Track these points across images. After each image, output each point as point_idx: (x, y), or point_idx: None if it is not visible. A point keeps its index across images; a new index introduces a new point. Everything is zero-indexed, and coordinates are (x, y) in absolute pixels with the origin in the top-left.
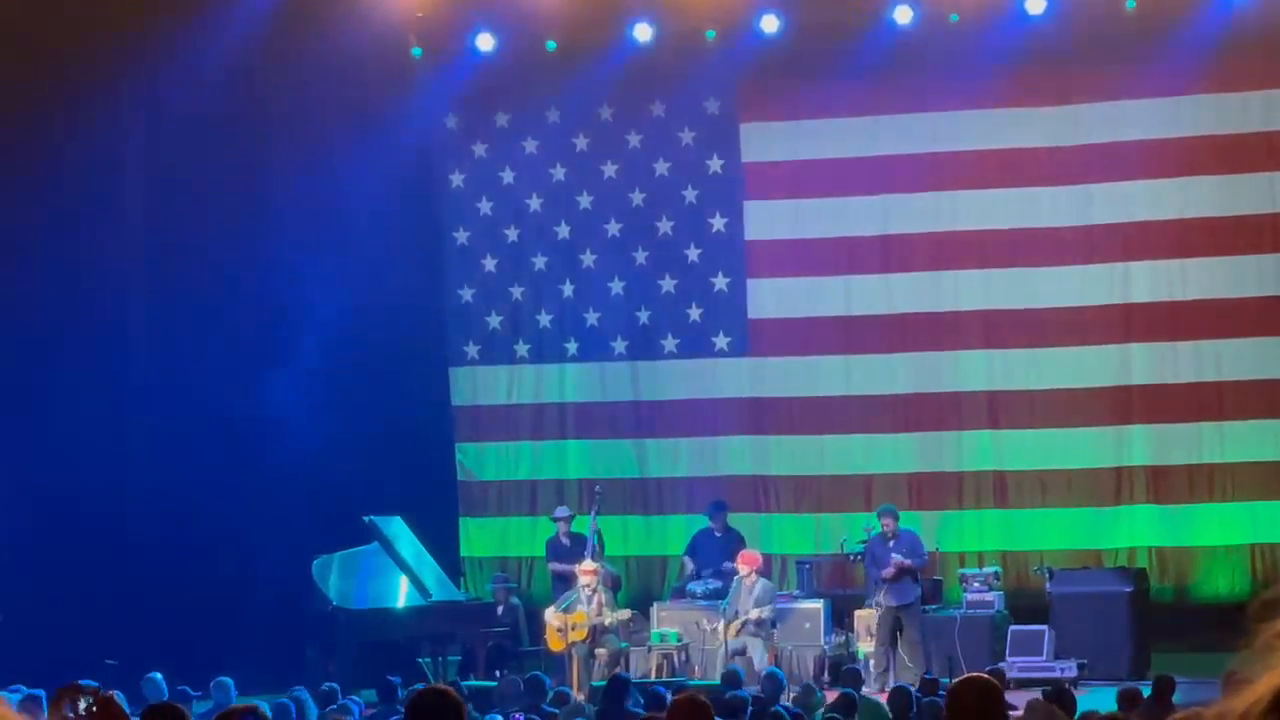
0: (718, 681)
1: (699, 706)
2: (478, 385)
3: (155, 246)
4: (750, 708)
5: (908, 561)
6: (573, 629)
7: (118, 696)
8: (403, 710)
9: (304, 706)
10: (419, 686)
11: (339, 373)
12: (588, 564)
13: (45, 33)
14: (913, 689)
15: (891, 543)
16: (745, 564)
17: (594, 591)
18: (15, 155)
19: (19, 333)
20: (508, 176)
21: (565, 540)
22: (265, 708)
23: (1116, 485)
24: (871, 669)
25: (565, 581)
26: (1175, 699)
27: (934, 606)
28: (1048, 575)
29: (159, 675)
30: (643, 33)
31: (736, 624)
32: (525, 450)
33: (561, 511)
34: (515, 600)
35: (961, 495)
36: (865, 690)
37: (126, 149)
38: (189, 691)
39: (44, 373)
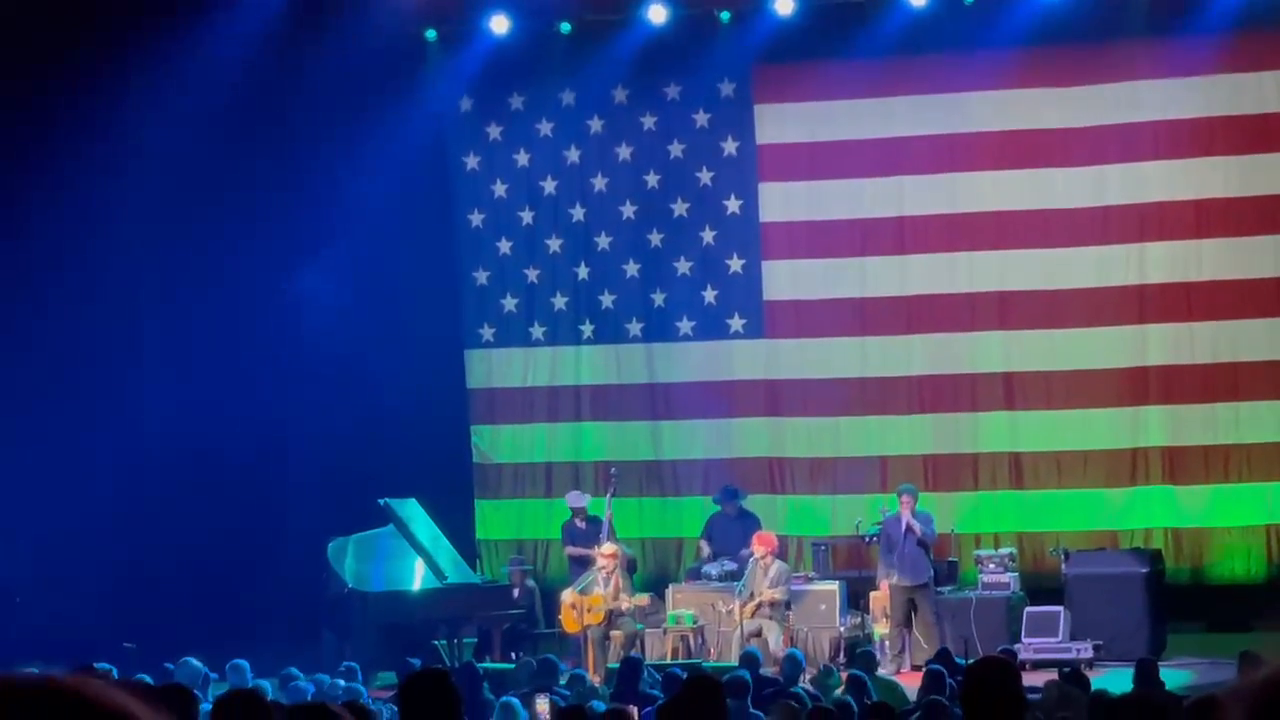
0: (734, 663)
1: (710, 686)
2: (493, 368)
3: (164, 232)
4: (750, 689)
5: (917, 525)
6: (588, 611)
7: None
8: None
9: (321, 688)
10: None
11: (353, 356)
12: (607, 547)
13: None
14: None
15: (905, 530)
16: (761, 545)
17: (611, 574)
18: (52, 108)
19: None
20: (522, 159)
21: (580, 524)
22: (268, 688)
23: (1132, 466)
24: (887, 650)
25: (582, 565)
26: (1191, 679)
27: (950, 588)
28: (1063, 556)
29: (195, 660)
30: (657, 14)
31: (752, 605)
32: (540, 433)
33: (576, 500)
34: (531, 583)
35: (977, 477)
36: (881, 671)
37: (137, 131)
38: (210, 674)
39: (49, 366)
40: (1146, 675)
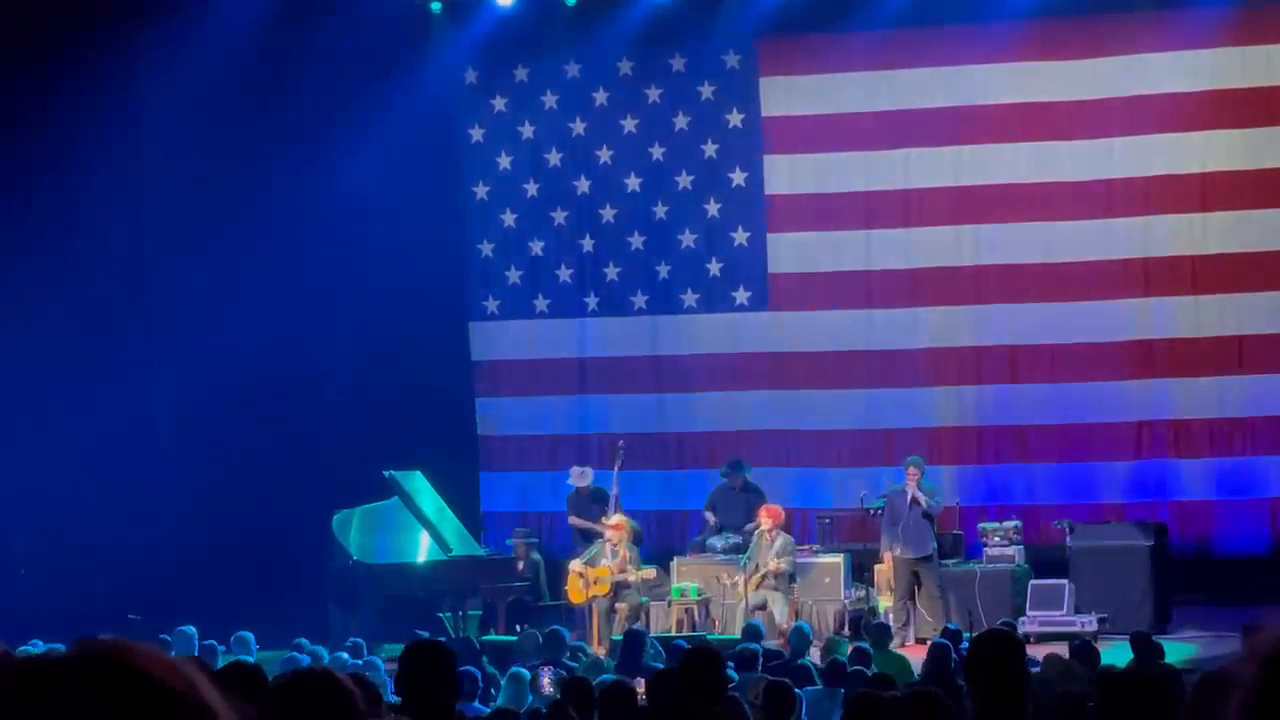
0: (738, 636)
1: (710, 657)
2: (498, 340)
3: (171, 209)
4: (760, 663)
5: (923, 497)
6: (594, 583)
7: None
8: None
9: (319, 661)
10: (440, 639)
11: (358, 327)
12: (615, 518)
13: None
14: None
15: (910, 502)
16: (768, 518)
17: (618, 546)
18: (48, 97)
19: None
20: (527, 131)
21: (585, 496)
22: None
23: (1137, 440)
24: (891, 623)
25: (586, 538)
26: (1196, 652)
27: (954, 560)
28: (1068, 529)
29: (192, 628)
30: None
31: (757, 578)
32: (545, 405)
33: (579, 479)
34: (536, 555)
35: (982, 449)
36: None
37: (140, 108)
38: (217, 646)
39: (49, 345)
40: (1144, 648)
